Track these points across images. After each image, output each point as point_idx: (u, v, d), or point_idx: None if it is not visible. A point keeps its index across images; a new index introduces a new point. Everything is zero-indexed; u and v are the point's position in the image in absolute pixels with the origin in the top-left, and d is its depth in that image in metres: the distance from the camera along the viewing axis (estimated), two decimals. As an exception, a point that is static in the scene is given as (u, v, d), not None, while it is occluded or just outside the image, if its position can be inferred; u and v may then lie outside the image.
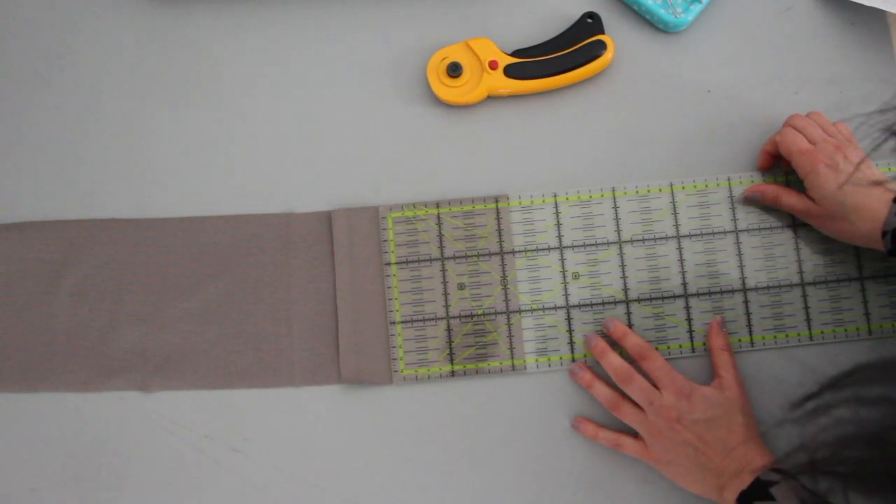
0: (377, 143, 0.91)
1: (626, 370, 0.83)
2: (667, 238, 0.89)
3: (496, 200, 0.89)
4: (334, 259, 0.88)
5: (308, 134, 0.92)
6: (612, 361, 0.84)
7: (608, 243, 0.89)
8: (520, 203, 0.89)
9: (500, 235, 0.89)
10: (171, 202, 0.90)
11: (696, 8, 0.91)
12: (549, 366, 0.87)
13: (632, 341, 0.84)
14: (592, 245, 0.89)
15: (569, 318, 0.88)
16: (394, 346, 0.87)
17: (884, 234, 0.77)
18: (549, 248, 0.89)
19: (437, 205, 0.89)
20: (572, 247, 0.89)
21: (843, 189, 0.78)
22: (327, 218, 0.89)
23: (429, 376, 0.86)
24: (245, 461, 0.85)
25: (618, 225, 0.89)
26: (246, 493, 0.85)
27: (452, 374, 0.86)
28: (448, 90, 0.89)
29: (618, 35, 0.93)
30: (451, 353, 0.87)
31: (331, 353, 0.87)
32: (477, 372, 0.86)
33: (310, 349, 0.87)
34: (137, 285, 0.88)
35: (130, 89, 0.93)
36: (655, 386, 0.82)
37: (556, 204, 0.90)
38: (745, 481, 0.74)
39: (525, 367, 0.87)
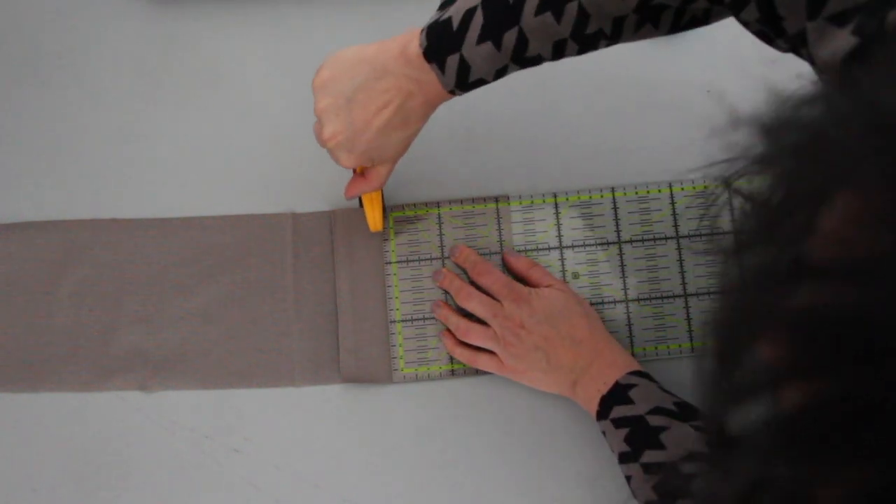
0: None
1: (466, 289, 0.89)
2: (666, 238, 0.93)
3: (496, 200, 0.93)
4: (334, 259, 0.92)
5: (308, 134, 0.94)
6: (454, 282, 0.90)
7: (608, 243, 0.93)
8: (520, 203, 0.94)
9: (500, 235, 0.93)
10: (171, 202, 0.93)
11: (696, 8, 0.95)
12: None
13: (471, 259, 0.91)
14: (592, 245, 0.93)
15: None
16: (394, 345, 0.91)
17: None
18: (550, 248, 0.93)
19: (438, 204, 0.93)
20: (572, 247, 0.93)
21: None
22: (328, 218, 0.93)
23: (429, 375, 0.90)
24: (245, 461, 0.88)
25: (617, 225, 0.93)
26: (246, 493, 0.88)
27: (452, 372, 0.90)
28: None
29: (617, 34, 0.97)
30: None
31: (331, 353, 0.91)
32: (477, 372, 0.90)
33: (310, 349, 0.91)
34: (137, 285, 0.92)
35: (130, 89, 0.96)
36: (497, 300, 0.87)
37: (556, 204, 0.94)
38: (606, 384, 0.80)
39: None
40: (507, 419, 0.90)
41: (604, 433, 0.80)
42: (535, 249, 0.93)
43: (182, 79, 0.96)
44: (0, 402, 0.89)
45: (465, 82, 0.72)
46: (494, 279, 0.88)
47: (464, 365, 0.90)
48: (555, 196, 0.94)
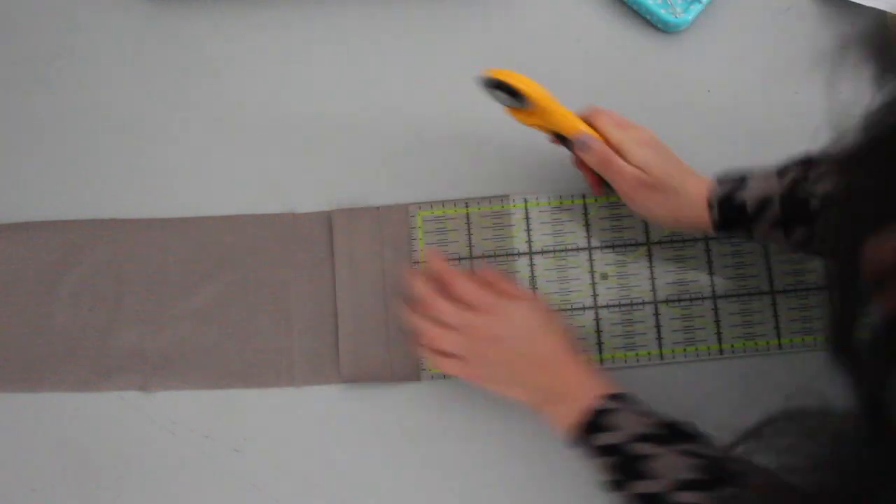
0: (378, 142, 0.96)
1: (437, 294, 0.87)
2: (696, 240, 0.93)
3: (525, 200, 0.94)
4: (334, 259, 0.93)
5: (308, 134, 0.96)
6: (425, 286, 0.89)
7: (637, 244, 0.93)
8: (549, 203, 0.95)
9: (529, 235, 0.94)
10: (171, 202, 0.95)
11: (696, 8, 0.96)
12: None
13: (444, 266, 0.90)
14: (621, 246, 0.94)
15: (597, 319, 0.92)
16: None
17: (710, 205, 0.82)
18: (578, 249, 0.94)
19: (466, 204, 0.94)
20: (601, 248, 0.94)
21: (666, 164, 0.84)
22: (327, 218, 0.94)
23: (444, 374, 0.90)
24: (245, 461, 0.89)
25: (647, 225, 0.94)
26: (246, 493, 0.88)
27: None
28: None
29: (618, 35, 0.99)
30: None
31: (331, 353, 0.91)
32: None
33: (310, 349, 0.91)
34: (137, 285, 0.93)
35: (130, 89, 0.98)
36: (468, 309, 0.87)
37: (584, 205, 0.94)
38: (582, 411, 0.78)
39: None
40: (509, 420, 0.89)
41: (585, 459, 0.79)
42: (563, 250, 0.93)
43: (182, 79, 0.98)
44: (0, 401, 0.91)
45: None
46: (466, 288, 0.87)
47: None
48: (584, 197, 0.95)
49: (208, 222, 0.94)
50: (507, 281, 0.89)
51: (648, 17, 0.98)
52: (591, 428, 0.77)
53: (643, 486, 0.72)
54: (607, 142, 0.84)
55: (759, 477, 0.66)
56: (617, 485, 0.74)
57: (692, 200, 0.83)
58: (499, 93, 0.82)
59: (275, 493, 0.88)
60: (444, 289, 0.88)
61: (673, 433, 0.75)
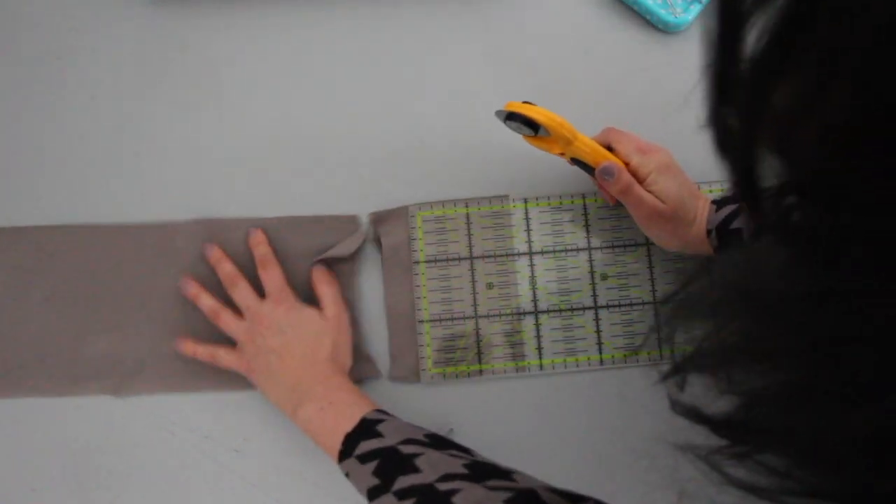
0: (378, 143, 0.96)
1: (235, 275, 0.90)
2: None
3: (525, 200, 0.95)
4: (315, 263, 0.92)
5: (307, 135, 0.96)
6: (225, 268, 0.90)
7: (637, 244, 0.94)
8: (549, 204, 0.95)
9: (529, 236, 0.94)
10: (172, 202, 0.93)
11: (696, 8, 0.97)
12: (577, 366, 0.91)
13: (260, 250, 0.91)
14: (621, 246, 0.94)
15: (597, 319, 0.92)
16: (422, 345, 0.91)
17: (708, 232, 0.84)
18: (578, 249, 0.94)
19: (466, 204, 0.94)
20: (601, 248, 0.94)
21: (682, 192, 0.84)
22: (326, 220, 0.93)
23: (457, 375, 0.91)
24: (245, 461, 0.89)
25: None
26: (246, 493, 0.88)
27: (481, 373, 0.91)
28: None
29: (618, 35, 0.99)
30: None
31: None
32: (481, 373, 0.91)
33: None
34: (111, 291, 0.91)
35: (128, 91, 0.96)
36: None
37: (584, 205, 0.95)
38: (351, 420, 0.79)
39: (541, 367, 0.91)
40: (509, 421, 0.90)
41: (347, 475, 0.79)
42: (563, 250, 0.94)
43: (181, 80, 0.97)
44: (0, 402, 0.90)
45: None
46: (272, 276, 0.89)
47: (492, 365, 0.91)
48: (584, 197, 0.95)
49: (186, 227, 0.93)
50: (331, 288, 0.90)
51: (648, 17, 0.98)
52: (360, 436, 0.78)
53: (411, 480, 0.72)
54: (626, 165, 0.84)
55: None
56: (379, 489, 0.74)
57: (699, 229, 0.85)
58: (518, 125, 0.82)
59: (275, 493, 0.88)
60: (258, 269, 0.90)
61: (437, 441, 0.78)
